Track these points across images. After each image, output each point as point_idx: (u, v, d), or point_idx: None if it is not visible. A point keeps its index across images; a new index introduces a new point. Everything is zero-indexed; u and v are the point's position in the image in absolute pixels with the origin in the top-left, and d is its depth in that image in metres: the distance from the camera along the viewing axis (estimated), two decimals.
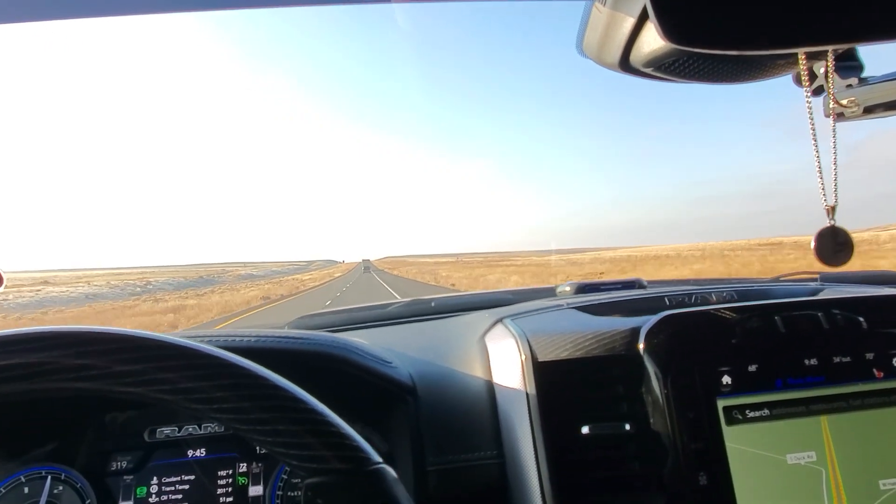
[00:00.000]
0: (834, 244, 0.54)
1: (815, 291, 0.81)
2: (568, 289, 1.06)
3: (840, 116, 0.56)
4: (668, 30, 0.42)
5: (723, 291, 0.78)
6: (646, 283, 1.07)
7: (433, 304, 1.11)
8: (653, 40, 0.48)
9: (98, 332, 0.36)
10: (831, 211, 0.54)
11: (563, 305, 0.78)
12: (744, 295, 0.78)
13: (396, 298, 1.24)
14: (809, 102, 0.52)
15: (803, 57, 0.50)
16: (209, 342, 0.60)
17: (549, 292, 1.12)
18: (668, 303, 0.76)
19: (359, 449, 0.36)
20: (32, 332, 0.35)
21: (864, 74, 0.56)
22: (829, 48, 0.48)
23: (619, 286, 1.04)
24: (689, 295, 0.76)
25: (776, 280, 1.10)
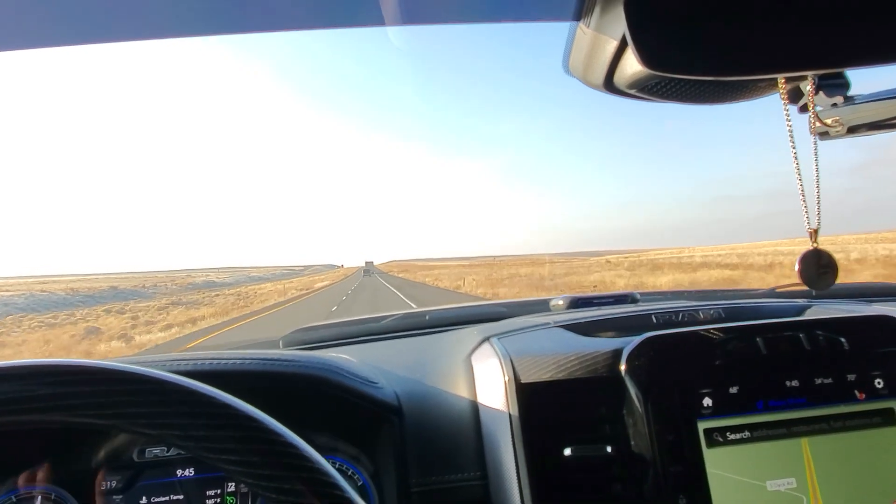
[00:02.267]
0: (818, 267, 0.53)
1: (803, 309, 0.81)
2: (561, 303, 1.06)
3: (825, 135, 0.56)
4: (646, 56, 0.42)
5: (710, 309, 0.78)
6: (638, 297, 1.07)
7: (427, 317, 1.11)
8: (635, 63, 0.48)
9: (104, 368, 0.35)
10: (814, 234, 0.53)
11: (550, 324, 0.78)
12: (732, 313, 0.77)
13: None
14: (790, 124, 0.52)
15: (783, 80, 0.50)
16: (196, 365, 0.60)
17: (543, 305, 1.12)
18: (655, 321, 0.76)
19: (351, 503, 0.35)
20: (23, 365, 0.35)
21: (851, 93, 0.56)
22: (807, 73, 0.48)
23: (612, 300, 1.04)
24: (677, 312, 0.76)
25: (770, 292, 1.09)
